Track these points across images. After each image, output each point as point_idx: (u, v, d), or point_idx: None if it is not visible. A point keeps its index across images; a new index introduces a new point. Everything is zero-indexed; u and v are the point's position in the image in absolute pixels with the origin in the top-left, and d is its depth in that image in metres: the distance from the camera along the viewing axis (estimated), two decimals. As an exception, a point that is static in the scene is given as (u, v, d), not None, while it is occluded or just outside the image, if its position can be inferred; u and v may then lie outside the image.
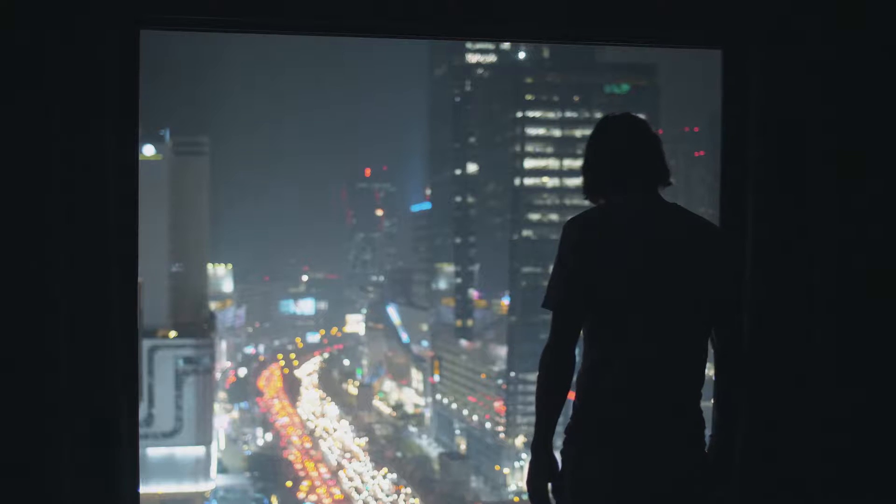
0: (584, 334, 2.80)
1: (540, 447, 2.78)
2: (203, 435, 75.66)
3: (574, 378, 2.78)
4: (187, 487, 72.64)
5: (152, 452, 69.58)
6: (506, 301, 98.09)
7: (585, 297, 2.74)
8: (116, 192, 2.89)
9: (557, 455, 2.79)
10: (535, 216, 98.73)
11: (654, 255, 2.75)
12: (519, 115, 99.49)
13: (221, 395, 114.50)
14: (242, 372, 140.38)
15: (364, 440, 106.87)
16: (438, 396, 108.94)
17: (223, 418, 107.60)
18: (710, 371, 2.89)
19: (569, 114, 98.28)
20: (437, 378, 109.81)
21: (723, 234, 2.92)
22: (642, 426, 2.72)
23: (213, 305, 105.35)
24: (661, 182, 2.89)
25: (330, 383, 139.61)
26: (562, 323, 2.77)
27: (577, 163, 3.29)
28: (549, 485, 2.78)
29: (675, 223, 2.82)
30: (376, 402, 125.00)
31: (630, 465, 2.70)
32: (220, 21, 3.08)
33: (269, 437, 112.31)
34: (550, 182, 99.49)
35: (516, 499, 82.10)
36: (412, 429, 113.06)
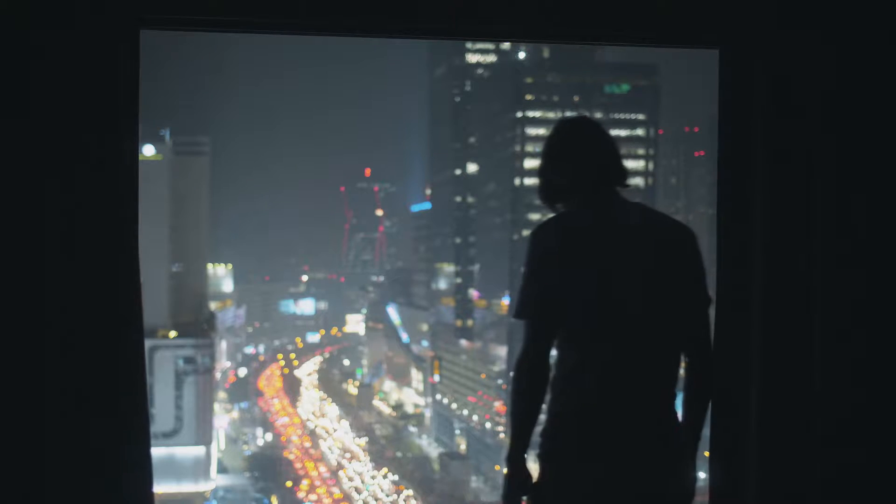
0: (559, 341, 2.80)
1: (515, 459, 2.77)
2: (203, 435, 75.66)
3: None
4: (187, 487, 72.63)
5: (152, 452, 69.35)
6: (506, 301, 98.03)
7: (557, 304, 2.73)
8: (116, 193, 2.89)
9: (534, 461, 2.79)
10: (535, 216, 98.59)
11: (622, 257, 2.74)
12: (519, 115, 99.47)
13: (221, 395, 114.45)
14: (242, 372, 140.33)
15: (364, 440, 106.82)
16: (438, 396, 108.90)
17: (223, 418, 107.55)
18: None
19: (569, 114, 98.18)
20: (437, 378, 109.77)
21: (687, 231, 2.90)
22: (620, 429, 2.71)
23: (213, 305, 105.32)
24: (619, 183, 2.90)
25: (330, 383, 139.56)
26: (535, 332, 2.76)
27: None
28: (524, 498, 2.78)
29: (639, 223, 2.82)
30: (376, 402, 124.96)
31: (608, 467, 2.70)
32: (220, 21, 3.08)
33: (269, 437, 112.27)
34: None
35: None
36: (412, 429, 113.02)
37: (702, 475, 2.94)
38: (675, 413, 2.81)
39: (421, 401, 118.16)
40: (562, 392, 2.78)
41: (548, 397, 2.82)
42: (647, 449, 2.72)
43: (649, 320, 2.74)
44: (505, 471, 2.80)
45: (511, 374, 2.79)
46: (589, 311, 2.73)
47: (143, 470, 2.93)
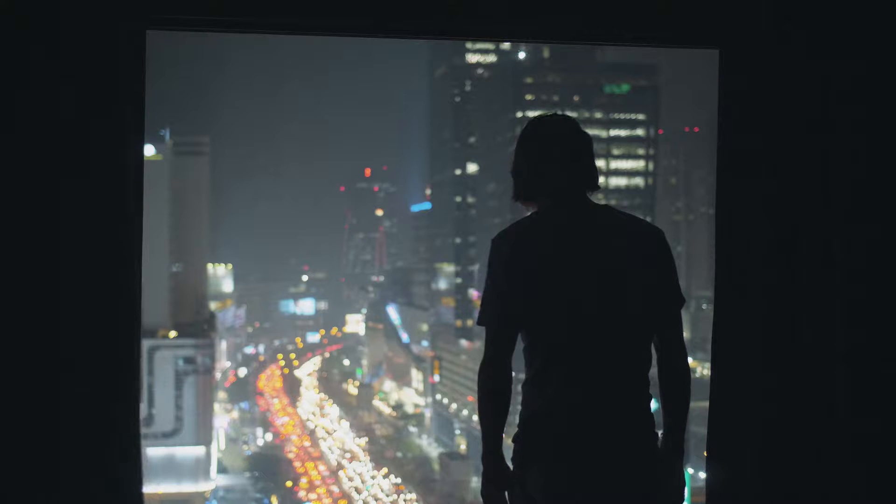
0: (524, 346, 2.79)
1: (489, 457, 2.78)
2: (203, 435, 75.60)
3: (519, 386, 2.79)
4: (187, 487, 72.56)
5: (152, 452, 69.54)
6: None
7: (516, 310, 2.72)
8: (121, 192, 2.90)
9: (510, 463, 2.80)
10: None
11: (588, 262, 2.72)
12: (519, 115, 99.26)
13: (221, 395, 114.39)
14: (242, 372, 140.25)
15: (364, 440, 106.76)
16: (438, 396, 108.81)
17: (223, 418, 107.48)
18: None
19: (569, 114, 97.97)
20: (437, 378, 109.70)
21: (656, 232, 2.86)
22: (591, 431, 2.70)
23: (213, 305, 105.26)
24: (590, 185, 2.86)
25: (330, 383, 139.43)
26: (496, 339, 2.76)
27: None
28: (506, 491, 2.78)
29: (605, 225, 2.79)
30: (376, 402, 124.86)
31: (578, 470, 2.69)
32: (224, 21, 3.10)
33: (269, 437, 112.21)
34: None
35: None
36: (412, 429, 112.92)
37: (702, 475, 2.92)
38: (650, 415, 2.78)
39: (421, 401, 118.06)
40: (529, 397, 2.79)
41: (519, 399, 2.83)
42: (618, 450, 2.70)
43: (614, 322, 2.72)
44: (482, 470, 2.82)
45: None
46: (550, 317, 2.71)
47: (133, 469, 2.94)
